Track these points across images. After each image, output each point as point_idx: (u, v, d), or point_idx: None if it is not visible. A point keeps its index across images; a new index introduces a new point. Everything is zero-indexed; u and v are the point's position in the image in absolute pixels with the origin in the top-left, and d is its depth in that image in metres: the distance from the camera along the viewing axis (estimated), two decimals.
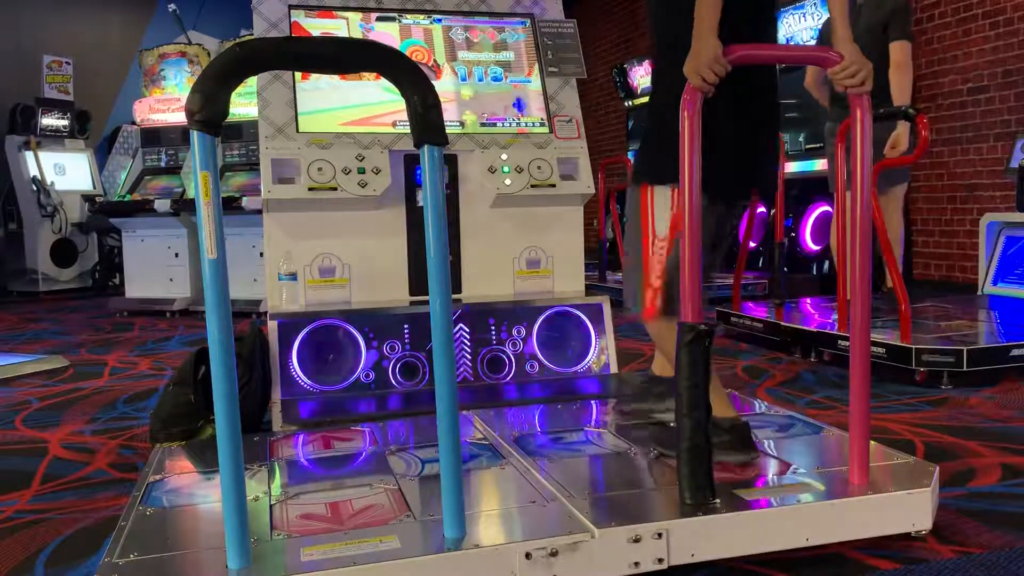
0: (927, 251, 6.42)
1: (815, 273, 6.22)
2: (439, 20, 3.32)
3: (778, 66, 2.14)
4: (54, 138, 8.61)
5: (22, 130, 8.39)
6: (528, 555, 1.51)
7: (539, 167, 3.11)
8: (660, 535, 1.58)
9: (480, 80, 3.27)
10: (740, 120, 1.97)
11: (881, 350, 3.31)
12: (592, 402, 2.72)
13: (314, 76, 3.06)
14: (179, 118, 6.77)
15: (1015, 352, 3.25)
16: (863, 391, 1.80)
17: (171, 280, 6.51)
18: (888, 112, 3.62)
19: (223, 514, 1.45)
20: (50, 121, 8.57)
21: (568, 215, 3.25)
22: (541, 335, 3.06)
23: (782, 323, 4.04)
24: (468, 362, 2.97)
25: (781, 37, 6.44)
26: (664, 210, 1.99)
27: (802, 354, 3.93)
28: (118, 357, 4.54)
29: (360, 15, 3.21)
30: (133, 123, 7.19)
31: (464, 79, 3.25)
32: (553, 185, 3.11)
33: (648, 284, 2.02)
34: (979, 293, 4.90)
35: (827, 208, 6.05)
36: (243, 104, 6.04)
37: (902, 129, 3.95)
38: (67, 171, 8.59)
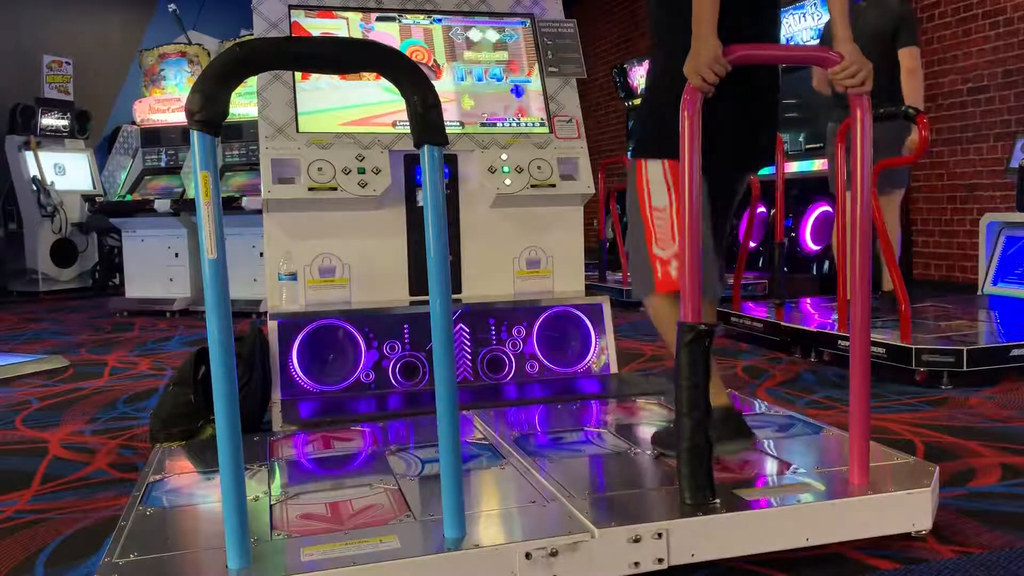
0: (927, 251, 6.42)
1: (815, 273, 6.21)
2: (439, 20, 3.32)
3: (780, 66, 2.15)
4: (54, 138, 8.61)
5: (22, 130, 8.39)
6: (528, 555, 1.51)
7: (539, 167, 3.11)
8: (660, 535, 1.58)
9: (480, 80, 3.27)
10: (740, 120, 1.97)
11: (881, 350, 3.31)
12: (592, 402, 2.72)
13: (314, 76, 3.06)
14: (179, 118, 6.76)
15: (1015, 352, 3.25)
16: (863, 391, 1.80)
17: (171, 280, 6.51)
18: (888, 112, 3.62)
19: (223, 514, 1.45)
20: (50, 121, 8.57)
21: (568, 215, 3.25)
22: (541, 335, 3.06)
23: (782, 323, 4.04)
24: (468, 362, 2.97)
25: (781, 37, 6.43)
26: (659, 183, 2.00)
27: (802, 354, 3.93)
28: (118, 357, 4.54)
29: (360, 15, 3.21)
30: (133, 123, 7.19)
31: (463, 79, 3.25)
32: (553, 185, 3.11)
33: (654, 255, 2.02)
34: (979, 293, 4.90)
35: (827, 208, 6.05)
36: (243, 104, 6.04)
37: (915, 134, 3.95)
38: (67, 171, 8.59)
